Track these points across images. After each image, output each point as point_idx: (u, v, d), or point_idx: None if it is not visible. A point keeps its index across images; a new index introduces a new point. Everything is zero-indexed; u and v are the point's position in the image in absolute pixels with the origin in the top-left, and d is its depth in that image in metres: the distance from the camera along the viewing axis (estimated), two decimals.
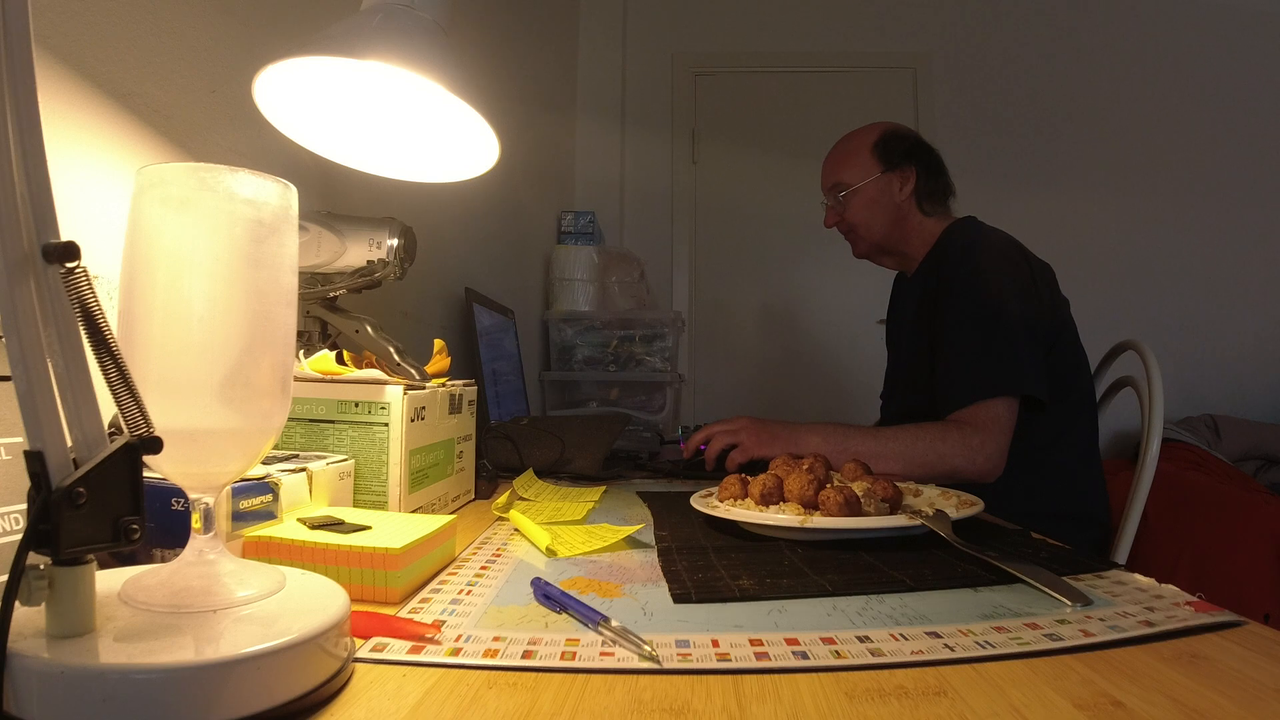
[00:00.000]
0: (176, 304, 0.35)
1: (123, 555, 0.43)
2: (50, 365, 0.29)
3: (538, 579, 0.49)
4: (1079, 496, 1.17)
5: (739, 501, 0.71)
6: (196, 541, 0.37)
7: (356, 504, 0.65)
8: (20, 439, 0.39)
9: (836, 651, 0.39)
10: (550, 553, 0.60)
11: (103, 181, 0.61)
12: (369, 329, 0.77)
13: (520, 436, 1.06)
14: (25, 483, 0.28)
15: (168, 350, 0.35)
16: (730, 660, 0.38)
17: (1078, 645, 0.40)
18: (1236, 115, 2.77)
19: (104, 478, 0.29)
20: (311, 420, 0.68)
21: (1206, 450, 2.36)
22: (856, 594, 0.49)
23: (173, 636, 0.31)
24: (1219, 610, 0.45)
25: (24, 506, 0.39)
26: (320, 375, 0.69)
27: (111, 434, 0.30)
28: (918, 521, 0.63)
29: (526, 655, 0.38)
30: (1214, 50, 2.79)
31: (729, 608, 0.46)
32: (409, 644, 0.39)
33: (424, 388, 0.72)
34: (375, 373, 0.73)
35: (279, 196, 0.38)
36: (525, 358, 1.82)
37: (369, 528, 0.51)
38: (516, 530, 0.68)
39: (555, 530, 0.65)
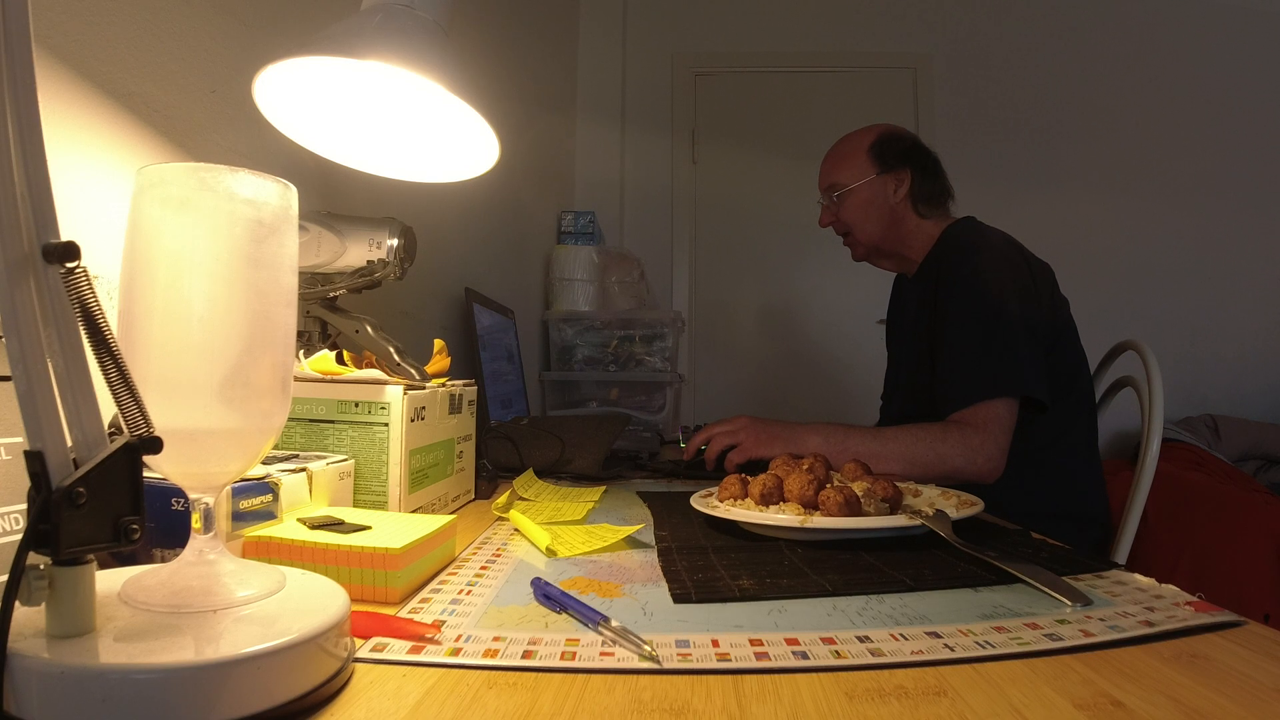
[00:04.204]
0: (176, 304, 0.35)
1: (123, 555, 0.43)
2: (50, 365, 0.29)
3: (538, 579, 0.49)
4: (1079, 496, 1.17)
5: (739, 501, 0.71)
6: (196, 541, 0.37)
7: (356, 504, 0.65)
8: (20, 439, 0.39)
9: (836, 651, 0.39)
10: (550, 553, 0.60)
11: (103, 181, 0.61)
12: (369, 329, 0.77)
13: (520, 436, 1.06)
14: (25, 483, 0.28)
15: (168, 350, 0.35)
16: (730, 660, 0.38)
17: (1078, 645, 0.40)
18: (1237, 116, 2.77)
19: (104, 478, 0.29)
20: (311, 420, 0.68)
21: (1206, 450, 2.36)
22: (856, 594, 0.49)
23: (173, 636, 0.31)
24: (1219, 610, 0.45)
25: (24, 506, 0.39)
26: (320, 375, 0.69)
27: (111, 434, 0.30)
28: (918, 521, 0.63)
29: (526, 655, 0.38)
30: (1214, 50, 2.79)
31: (729, 608, 0.46)
32: (409, 644, 0.39)
33: (424, 388, 0.72)
34: (375, 373, 0.73)
35: (279, 196, 0.38)
36: (525, 358, 1.82)
37: (369, 528, 0.51)
38: (516, 530, 0.68)
39: (555, 530, 0.65)
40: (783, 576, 0.53)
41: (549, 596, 0.46)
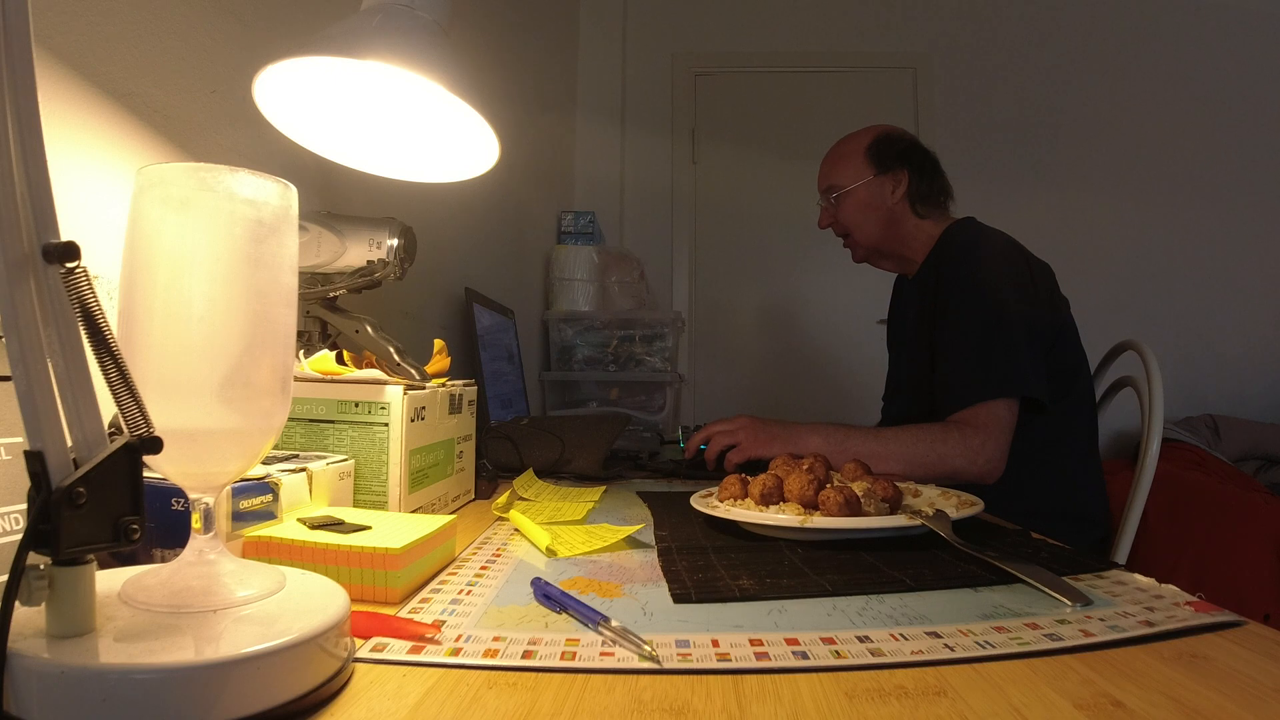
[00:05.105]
0: (176, 304, 0.35)
1: (123, 555, 0.43)
2: (50, 365, 0.29)
3: (538, 579, 0.49)
4: (1079, 497, 1.17)
5: (739, 501, 0.71)
6: (196, 541, 0.37)
7: (356, 504, 0.65)
8: (20, 439, 0.39)
9: (836, 651, 0.39)
10: (550, 553, 0.60)
11: (103, 181, 0.61)
12: (369, 329, 0.77)
13: (520, 436, 1.06)
14: (25, 483, 0.28)
15: (168, 350, 0.35)
16: (730, 660, 0.38)
17: (1078, 645, 0.40)
18: (1236, 116, 2.77)
19: (104, 478, 0.29)
20: (311, 420, 0.68)
21: (1206, 450, 2.36)
22: (856, 594, 0.49)
23: (173, 636, 0.31)
24: (1219, 610, 0.45)
25: (24, 506, 0.39)
26: (320, 375, 0.69)
27: (111, 434, 0.30)
28: (918, 521, 0.63)
29: (526, 655, 0.38)
30: (1214, 51, 2.79)
31: (729, 608, 0.46)
32: (409, 644, 0.39)
33: (424, 388, 0.72)
34: (375, 373, 0.73)
35: (279, 196, 0.38)
36: (525, 358, 1.82)
37: (369, 528, 0.51)
38: (516, 530, 0.68)
39: (555, 530, 0.65)
40: (783, 576, 0.53)
41: (549, 596, 0.46)
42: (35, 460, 0.28)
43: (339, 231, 0.78)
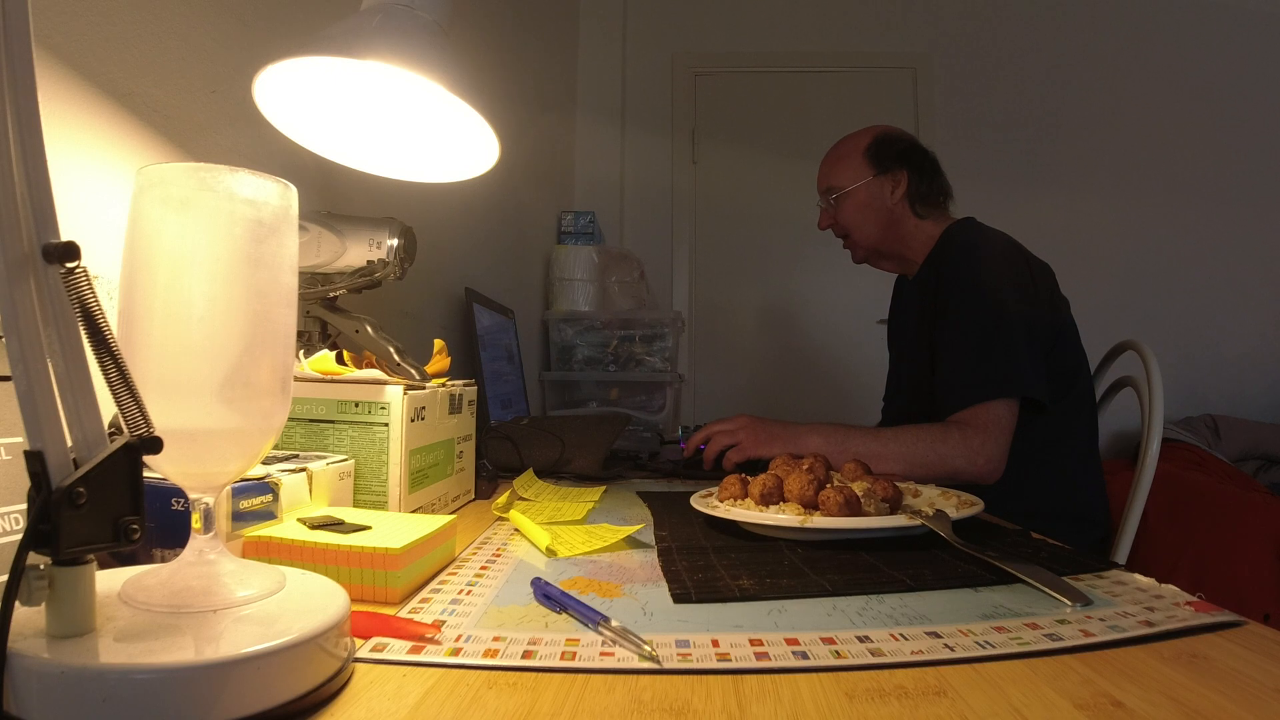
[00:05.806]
0: (176, 304, 0.35)
1: (123, 555, 0.43)
2: (50, 365, 0.29)
3: (538, 579, 0.49)
4: (1079, 497, 1.17)
5: (739, 501, 0.71)
6: (196, 541, 0.37)
7: (356, 504, 0.65)
8: (20, 439, 0.39)
9: (836, 651, 0.39)
10: (550, 553, 0.60)
11: (103, 181, 0.61)
12: (369, 329, 0.77)
13: (520, 436, 1.06)
14: (25, 483, 0.28)
15: (168, 350, 0.35)
16: (730, 660, 0.38)
17: (1078, 645, 0.40)
18: (1236, 116, 2.77)
19: (104, 478, 0.29)
20: (311, 420, 0.68)
21: (1206, 450, 2.36)
22: (856, 594, 0.49)
23: (173, 636, 0.31)
24: (1219, 610, 0.45)
25: (24, 506, 0.39)
26: (320, 375, 0.69)
27: (111, 434, 0.30)
28: (918, 521, 0.63)
29: (526, 655, 0.38)
30: (1214, 51, 2.79)
31: (729, 608, 0.46)
32: (409, 644, 0.39)
33: (424, 388, 0.72)
34: (375, 373, 0.73)
35: (279, 196, 0.38)
36: (525, 358, 1.82)
37: (369, 528, 0.51)
38: (516, 530, 0.68)
39: (555, 530, 0.65)
40: (783, 576, 0.53)
41: (549, 596, 0.46)
42: (35, 460, 0.28)
43: (339, 231, 0.78)
